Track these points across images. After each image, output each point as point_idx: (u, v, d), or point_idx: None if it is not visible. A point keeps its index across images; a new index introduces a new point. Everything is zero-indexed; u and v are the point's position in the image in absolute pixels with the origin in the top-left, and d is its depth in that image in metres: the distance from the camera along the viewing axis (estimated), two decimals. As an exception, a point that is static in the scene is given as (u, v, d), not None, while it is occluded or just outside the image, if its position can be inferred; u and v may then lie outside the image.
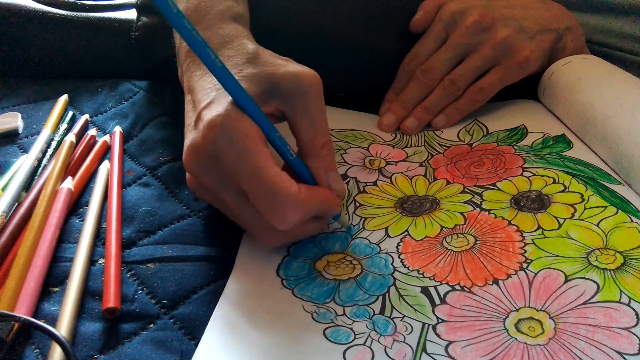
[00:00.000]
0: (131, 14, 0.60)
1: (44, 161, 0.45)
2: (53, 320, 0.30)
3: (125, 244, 0.36)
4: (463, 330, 0.28)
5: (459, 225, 0.36)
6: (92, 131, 0.49)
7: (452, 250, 0.34)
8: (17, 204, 0.39)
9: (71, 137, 0.47)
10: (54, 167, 0.42)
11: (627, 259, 0.31)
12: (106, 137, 0.49)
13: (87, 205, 0.40)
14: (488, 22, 0.47)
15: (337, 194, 0.34)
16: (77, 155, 0.46)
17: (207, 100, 0.32)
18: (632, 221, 0.34)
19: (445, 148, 0.45)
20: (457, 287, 0.31)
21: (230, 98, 0.31)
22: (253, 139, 0.30)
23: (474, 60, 0.47)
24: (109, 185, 0.42)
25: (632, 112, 0.39)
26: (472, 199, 0.39)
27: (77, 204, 0.41)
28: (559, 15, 0.50)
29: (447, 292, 0.31)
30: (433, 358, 0.27)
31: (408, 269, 0.33)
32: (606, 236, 0.33)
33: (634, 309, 0.28)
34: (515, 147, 0.43)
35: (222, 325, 0.29)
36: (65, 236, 0.37)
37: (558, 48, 0.50)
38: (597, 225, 0.34)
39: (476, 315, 0.29)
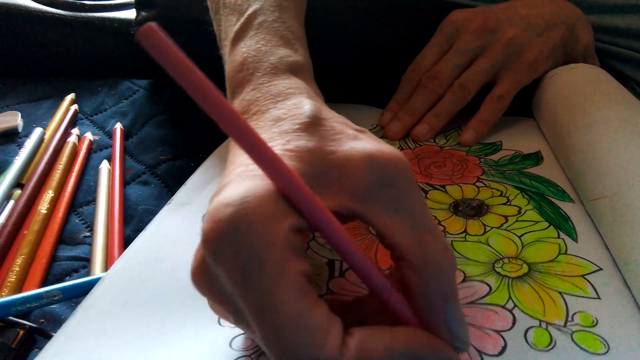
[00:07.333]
0: (131, 14, 0.61)
1: (44, 161, 0.45)
2: (53, 320, 0.31)
3: (124, 243, 0.37)
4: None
5: None
6: (89, 134, 0.50)
7: (373, 234, 0.34)
8: (13, 202, 0.40)
9: (73, 139, 0.48)
10: (53, 167, 0.43)
11: (531, 270, 0.31)
12: (89, 135, 0.49)
13: (86, 205, 0.41)
14: (493, 24, 0.46)
15: (450, 342, 0.21)
16: (68, 153, 0.46)
17: (226, 179, 0.22)
18: (559, 237, 0.34)
19: (417, 146, 0.46)
20: None
21: (255, 180, 0.20)
22: (276, 249, 0.19)
23: (482, 63, 0.46)
24: (110, 183, 0.42)
25: (604, 125, 0.38)
26: None
27: (76, 204, 0.41)
28: (566, 7, 0.48)
29: (348, 268, 0.30)
30: None
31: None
32: (522, 247, 0.33)
33: (513, 315, 0.28)
34: (482, 160, 0.44)
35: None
36: (65, 236, 0.38)
37: (571, 41, 0.48)
38: (520, 237, 0.34)
39: None
